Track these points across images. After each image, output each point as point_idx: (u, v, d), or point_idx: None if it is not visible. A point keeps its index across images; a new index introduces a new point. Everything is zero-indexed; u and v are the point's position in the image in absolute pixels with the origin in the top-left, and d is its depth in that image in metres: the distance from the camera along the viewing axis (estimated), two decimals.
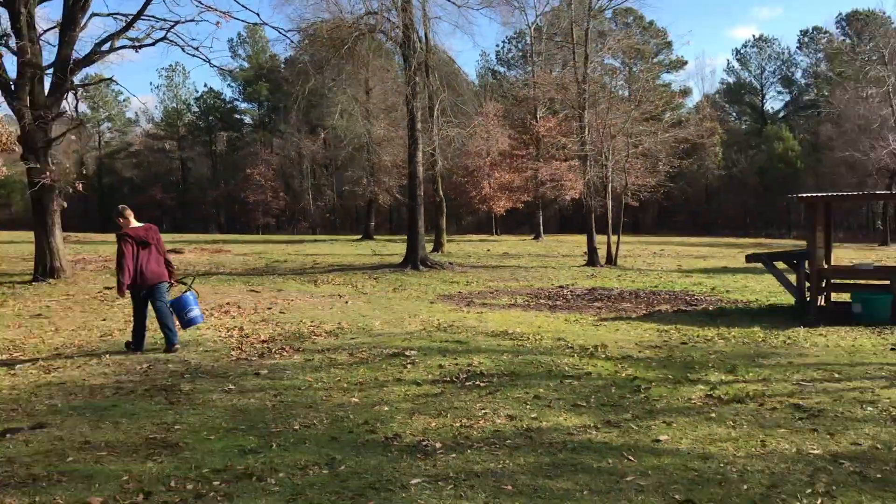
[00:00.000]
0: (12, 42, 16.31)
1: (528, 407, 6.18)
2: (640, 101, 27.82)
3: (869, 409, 6.03)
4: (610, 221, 26.43)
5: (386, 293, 16.05)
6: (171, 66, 71.92)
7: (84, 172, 37.99)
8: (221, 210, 73.49)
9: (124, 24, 17.16)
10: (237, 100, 75.30)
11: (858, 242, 49.89)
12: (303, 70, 26.49)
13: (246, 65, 72.06)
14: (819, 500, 4.15)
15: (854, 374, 7.43)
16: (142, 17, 17.11)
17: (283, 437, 5.34)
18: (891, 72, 39.22)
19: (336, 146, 50.86)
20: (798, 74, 73.14)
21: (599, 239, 26.18)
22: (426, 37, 24.01)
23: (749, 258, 13.53)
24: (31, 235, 18.51)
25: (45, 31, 17.85)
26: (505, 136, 43.16)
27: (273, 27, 68.62)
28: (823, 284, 12.32)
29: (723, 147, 64.39)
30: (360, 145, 36.62)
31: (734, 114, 76.30)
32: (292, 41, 25.42)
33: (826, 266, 12.76)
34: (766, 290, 16.00)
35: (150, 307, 8.91)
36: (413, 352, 8.56)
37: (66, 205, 17.44)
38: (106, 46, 17.24)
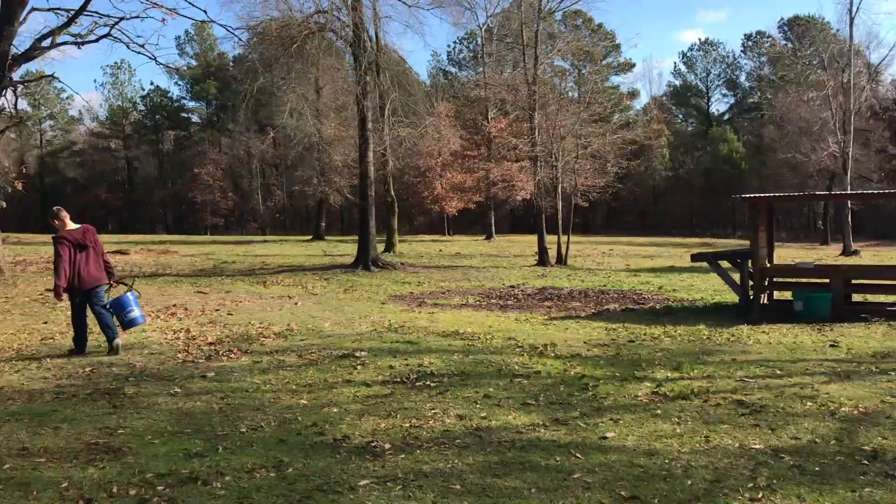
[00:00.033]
0: None
1: (477, 406, 6.20)
2: (590, 103, 28.21)
3: (809, 404, 6.18)
4: (560, 222, 26.78)
5: (336, 294, 15.95)
6: (116, 63, 69.97)
7: (24, 171, 36.99)
8: (169, 210, 72.18)
9: (66, 20, 16.74)
10: (185, 98, 74.05)
11: (800, 242, 51.32)
12: (251, 68, 26.13)
13: (193, 63, 70.82)
14: (760, 494, 4.23)
15: (795, 371, 7.64)
16: (84, 13, 16.68)
17: (230, 440, 5.26)
18: (830, 76, 40.28)
19: (286, 145, 50.29)
20: (742, 77, 75.12)
21: (550, 239, 26.48)
22: (377, 36, 23.96)
23: (695, 258, 13.78)
24: None
25: None
26: (456, 136, 43.25)
27: (221, 25, 67.47)
28: (766, 283, 12.64)
29: (670, 148, 65.61)
30: (309, 145, 36.33)
31: (681, 116, 77.84)
32: (241, 39, 25.06)
33: (769, 265, 13.09)
34: (712, 288, 16.34)
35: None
36: (363, 353, 8.51)
37: (4, 205, 17.01)
38: (46, 42, 16.79)
